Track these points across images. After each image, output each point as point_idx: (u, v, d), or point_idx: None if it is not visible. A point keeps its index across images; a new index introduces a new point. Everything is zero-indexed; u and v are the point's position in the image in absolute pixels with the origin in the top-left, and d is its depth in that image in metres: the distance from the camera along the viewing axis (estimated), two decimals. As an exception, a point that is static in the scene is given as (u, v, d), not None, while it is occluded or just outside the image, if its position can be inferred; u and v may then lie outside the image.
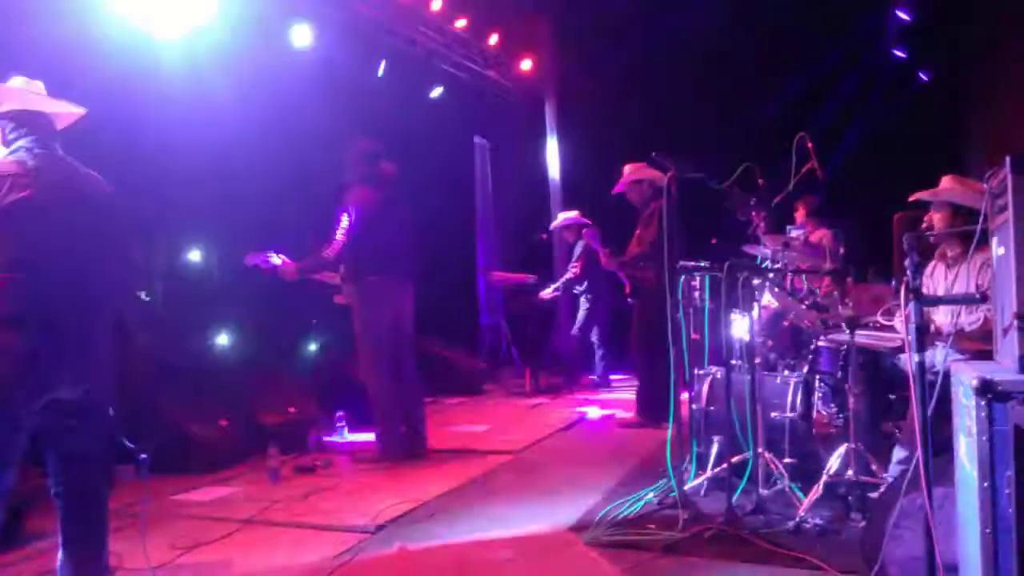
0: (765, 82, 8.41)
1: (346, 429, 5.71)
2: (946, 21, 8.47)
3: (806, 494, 3.55)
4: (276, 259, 4.76)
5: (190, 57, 5.31)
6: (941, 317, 3.55)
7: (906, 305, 2.20)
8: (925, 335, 2.23)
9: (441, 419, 6.35)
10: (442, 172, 8.41)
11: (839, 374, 4.19)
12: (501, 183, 10.38)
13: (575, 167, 9.47)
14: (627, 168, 5.85)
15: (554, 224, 8.30)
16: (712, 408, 4.18)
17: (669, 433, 3.76)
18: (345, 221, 4.85)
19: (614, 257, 5.92)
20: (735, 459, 3.68)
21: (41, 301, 2.47)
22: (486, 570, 3.14)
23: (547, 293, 7.97)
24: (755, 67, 8.30)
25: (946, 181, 3.59)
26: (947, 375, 2.22)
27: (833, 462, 3.61)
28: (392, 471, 4.71)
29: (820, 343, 4.30)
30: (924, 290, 3.62)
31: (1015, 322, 1.85)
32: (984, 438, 1.80)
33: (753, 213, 4.23)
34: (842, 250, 5.18)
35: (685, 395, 4.23)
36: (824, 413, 4.67)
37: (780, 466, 3.80)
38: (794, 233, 5.77)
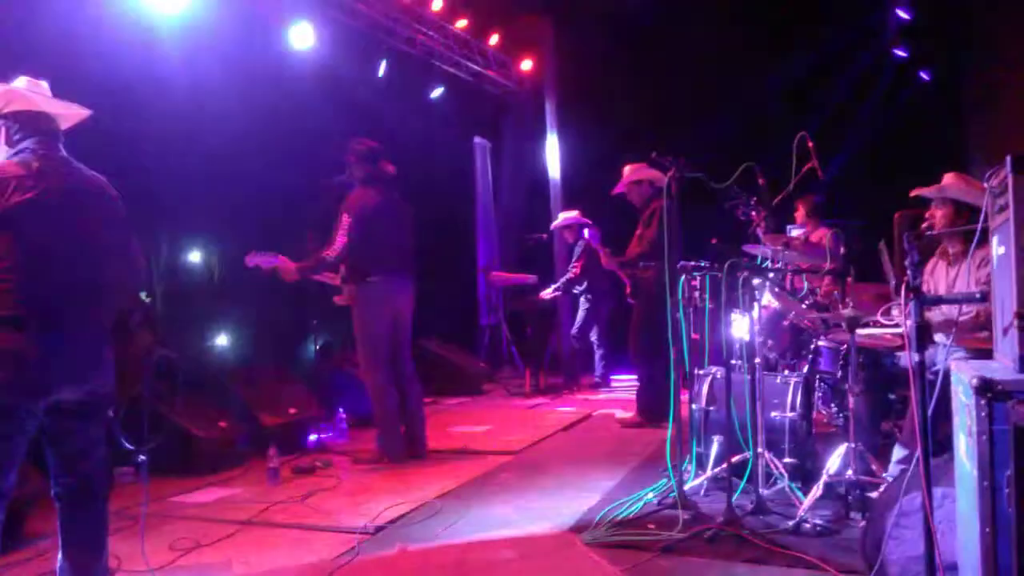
0: (765, 81, 8.41)
1: (346, 429, 5.72)
2: (946, 21, 8.46)
3: (806, 494, 3.55)
4: (276, 260, 4.76)
5: (190, 57, 5.32)
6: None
7: (906, 304, 2.20)
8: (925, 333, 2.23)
9: (441, 419, 6.35)
10: (442, 172, 8.43)
11: (839, 374, 4.19)
12: (501, 183, 10.38)
13: (575, 167, 9.46)
14: (627, 168, 5.85)
15: (554, 224, 8.29)
16: (712, 408, 4.18)
17: (669, 433, 3.76)
18: (345, 221, 4.84)
19: (614, 257, 5.92)
20: (735, 459, 3.67)
21: (43, 302, 2.47)
22: (486, 570, 3.14)
23: (547, 293, 7.97)
24: (755, 66, 8.30)
25: (949, 178, 3.59)
26: (947, 374, 2.22)
27: (833, 462, 3.61)
28: (392, 471, 4.71)
29: (820, 343, 4.30)
30: (924, 288, 3.64)
31: (1015, 321, 1.85)
32: (984, 437, 1.80)
33: (753, 213, 4.23)
34: (842, 250, 5.17)
35: (685, 395, 4.22)
36: (824, 413, 4.67)
37: (780, 466, 3.80)
38: (794, 233, 5.78)
